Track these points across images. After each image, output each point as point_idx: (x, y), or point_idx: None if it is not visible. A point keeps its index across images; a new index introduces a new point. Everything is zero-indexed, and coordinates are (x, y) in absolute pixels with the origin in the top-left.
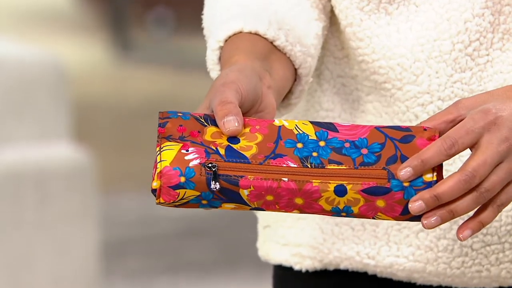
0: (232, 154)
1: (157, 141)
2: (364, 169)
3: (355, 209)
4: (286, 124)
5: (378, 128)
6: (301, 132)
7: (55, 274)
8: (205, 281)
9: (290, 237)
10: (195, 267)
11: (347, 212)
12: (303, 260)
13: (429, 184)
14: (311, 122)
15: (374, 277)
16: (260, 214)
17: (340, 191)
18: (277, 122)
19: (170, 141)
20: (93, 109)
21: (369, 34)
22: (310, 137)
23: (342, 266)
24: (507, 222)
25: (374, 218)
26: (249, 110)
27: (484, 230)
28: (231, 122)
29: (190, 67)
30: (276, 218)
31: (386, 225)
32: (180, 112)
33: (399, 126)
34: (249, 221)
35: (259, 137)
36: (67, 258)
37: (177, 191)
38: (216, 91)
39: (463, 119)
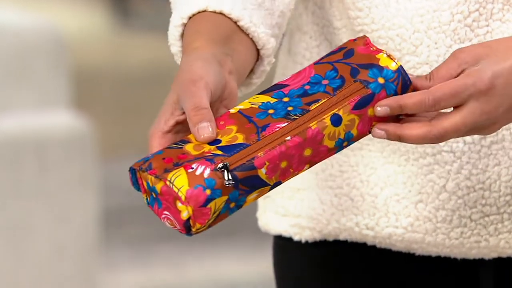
0: (230, 149)
1: (159, 179)
2: (341, 91)
3: (354, 131)
4: (241, 107)
5: (318, 63)
6: (260, 103)
7: (54, 242)
8: (204, 248)
9: (290, 208)
10: (195, 236)
11: (348, 140)
12: (302, 230)
13: (398, 71)
14: (260, 93)
15: (373, 247)
16: None
17: (336, 120)
18: (232, 110)
19: (171, 171)
20: (93, 76)
21: (368, 4)
22: (272, 102)
23: (341, 237)
24: (506, 192)
25: (370, 132)
26: (215, 101)
27: (483, 201)
28: (205, 129)
29: None
30: (275, 189)
31: (385, 195)
32: (148, 156)
33: (331, 51)
34: None
35: (233, 128)
36: (67, 226)
37: (209, 206)
38: (186, 90)
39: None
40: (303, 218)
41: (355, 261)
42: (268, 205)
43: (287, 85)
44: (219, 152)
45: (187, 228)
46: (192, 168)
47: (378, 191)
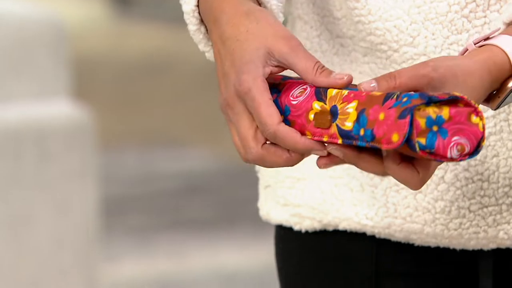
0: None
1: (444, 104)
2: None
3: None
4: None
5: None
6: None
7: (55, 232)
8: (204, 238)
9: (290, 198)
10: (195, 224)
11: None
12: (302, 220)
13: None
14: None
15: (372, 237)
16: (261, 175)
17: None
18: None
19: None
20: (93, 66)
21: None
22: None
23: (341, 227)
24: (505, 184)
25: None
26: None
27: (481, 192)
28: (341, 75)
29: None
30: (276, 178)
31: (385, 186)
32: (405, 101)
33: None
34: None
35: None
36: (67, 216)
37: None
38: (294, 49)
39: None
40: (303, 208)
41: (354, 250)
42: (269, 195)
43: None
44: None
45: (479, 143)
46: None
47: (378, 182)
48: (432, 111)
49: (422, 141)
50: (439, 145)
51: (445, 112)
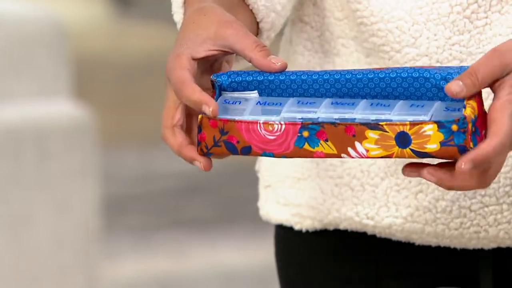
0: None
1: (468, 106)
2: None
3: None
4: None
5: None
6: None
7: (55, 231)
8: (204, 237)
9: (290, 198)
10: (195, 224)
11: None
12: (303, 220)
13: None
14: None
15: (373, 237)
16: (261, 175)
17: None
18: None
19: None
20: (93, 65)
21: None
22: None
23: (341, 227)
24: (506, 183)
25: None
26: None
27: (482, 192)
28: (278, 58)
29: None
30: (276, 178)
31: (385, 186)
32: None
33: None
34: (248, 178)
35: None
36: (68, 215)
37: None
38: (237, 30)
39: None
40: (304, 207)
41: (355, 250)
42: (269, 194)
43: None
44: None
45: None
46: None
47: (379, 181)
48: (471, 112)
49: (472, 144)
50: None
51: (476, 109)
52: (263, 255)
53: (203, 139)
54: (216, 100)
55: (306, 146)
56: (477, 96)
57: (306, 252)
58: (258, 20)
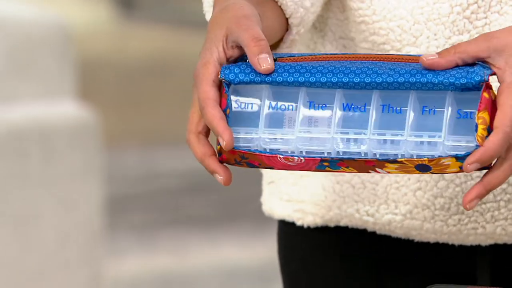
0: None
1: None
2: None
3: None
4: None
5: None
6: None
7: (60, 230)
8: (206, 235)
9: (293, 194)
10: (196, 222)
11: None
12: (305, 216)
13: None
14: None
15: (373, 233)
16: (264, 171)
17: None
18: None
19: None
20: (97, 67)
21: None
22: None
23: (342, 223)
24: None
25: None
26: None
27: None
28: (265, 60)
29: (192, 25)
30: (280, 175)
31: (385, 183)
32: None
33: None
34: (249, 177)
35: None
36: (72, 214)
37: None
38: (242, 23)
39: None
40: (306, 204)
41: (355, 246)
42: (273, 190)
43: None
44: None
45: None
46: None
47: (379, 179)
48: (482, 131)
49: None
50: None
51: (488, 120)
52: (264, 253)
53: (223, 159)
54: (228, 104)
55: (328, 169)
56: (491, 106)
57: (308, 248)
58: (287, 16)
